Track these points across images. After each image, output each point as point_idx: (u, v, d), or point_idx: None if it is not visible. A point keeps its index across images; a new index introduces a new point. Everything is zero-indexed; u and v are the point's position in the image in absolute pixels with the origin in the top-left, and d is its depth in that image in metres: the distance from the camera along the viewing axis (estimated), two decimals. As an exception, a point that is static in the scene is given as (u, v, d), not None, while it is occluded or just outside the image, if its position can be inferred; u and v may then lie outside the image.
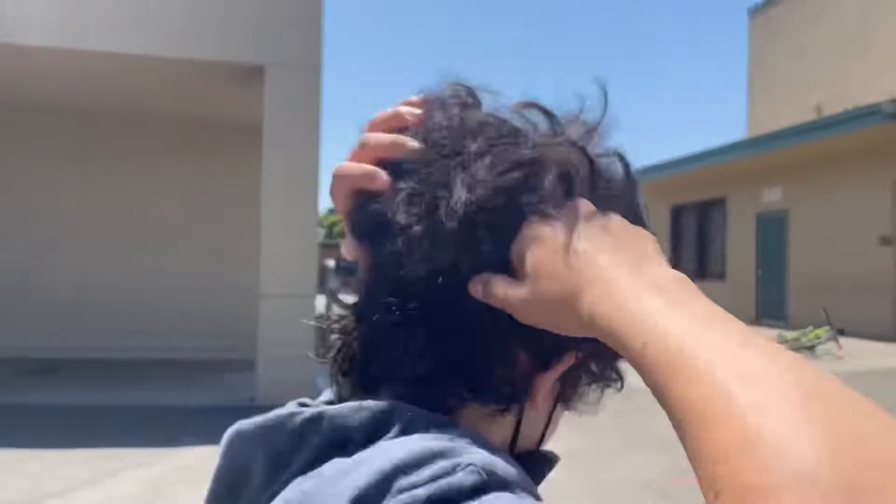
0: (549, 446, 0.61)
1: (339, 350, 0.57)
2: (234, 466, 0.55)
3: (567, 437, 0.79)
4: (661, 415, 0.39)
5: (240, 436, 0.54)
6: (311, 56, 6.75)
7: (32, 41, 6.32)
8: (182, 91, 8.00)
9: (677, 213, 21.05)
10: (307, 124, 6.72)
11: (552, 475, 0.59)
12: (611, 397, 0.60)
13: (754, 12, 21.96)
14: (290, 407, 0.54)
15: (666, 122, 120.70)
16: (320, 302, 8.84)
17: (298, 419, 0.51)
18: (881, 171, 14.18)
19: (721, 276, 18.98)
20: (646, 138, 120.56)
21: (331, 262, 11.26)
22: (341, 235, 0.62)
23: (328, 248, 27.91)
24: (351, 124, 0.58)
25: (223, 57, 6.68)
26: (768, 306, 17.14)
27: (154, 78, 7.47)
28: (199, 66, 6.87)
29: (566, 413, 0.60)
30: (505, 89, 0.58)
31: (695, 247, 20.22)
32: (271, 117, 6.67)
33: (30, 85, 7.98)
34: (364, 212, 0.54)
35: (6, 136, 9.39)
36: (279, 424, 0.52)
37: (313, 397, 0.59)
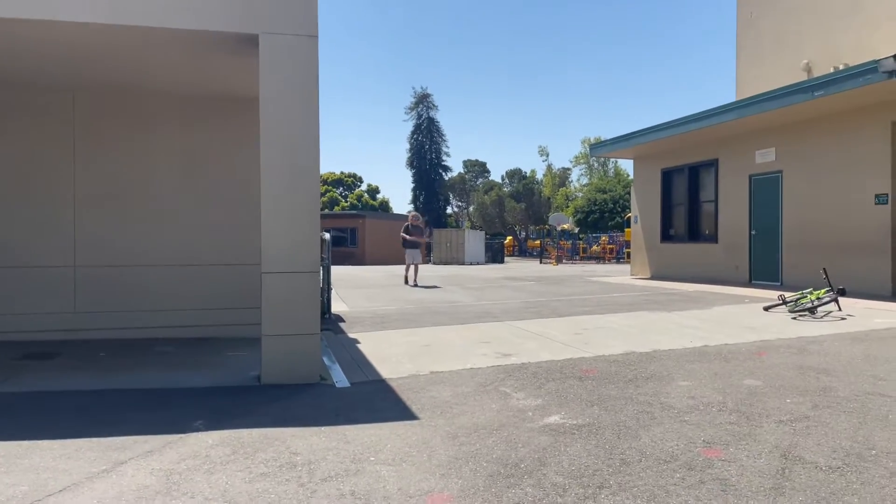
0: None
1: None
2: None
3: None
4: None
5: None
6: (306, 24, 6.48)
7: (17, 13, 6.01)
8: (173, 63, 7.71)
9: (668, 176, 20.98)
10: (305, 94, 6.47)
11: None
12: None
13: (743, -30, 21.72)
14: None
15: (655, 84, 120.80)
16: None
17: None
18: (876, 129, 14.12)
19: (713, 238, 18.97)
20: (636, 100, 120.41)
21: (325, 235, 11.11)
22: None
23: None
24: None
25: (214, 27, 6.40)
26: (762, 267, 17.16)
27: (144, 50, 7.17)
28: (190, 37, 6.59)
29: None
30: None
31: (686, 209, 20.18)
32: (267, 88, 6.41)
33: (15, 60, 7.65)
34: None
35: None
36: None
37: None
